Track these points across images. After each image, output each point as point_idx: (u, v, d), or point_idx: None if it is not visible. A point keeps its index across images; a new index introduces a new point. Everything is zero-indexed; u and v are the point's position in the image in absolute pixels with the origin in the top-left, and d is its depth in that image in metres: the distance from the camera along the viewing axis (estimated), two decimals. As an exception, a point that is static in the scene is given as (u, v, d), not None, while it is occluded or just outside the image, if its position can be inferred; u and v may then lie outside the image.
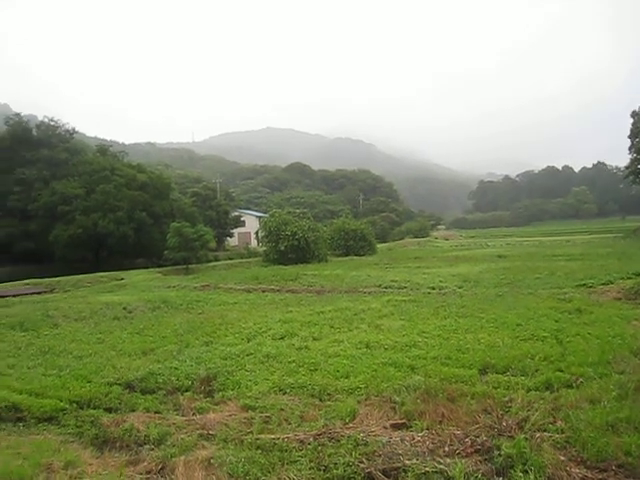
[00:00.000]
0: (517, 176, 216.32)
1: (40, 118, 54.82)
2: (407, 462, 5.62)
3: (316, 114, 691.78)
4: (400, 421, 7.01)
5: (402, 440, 6.24)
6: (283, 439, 6.50)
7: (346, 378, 9.21)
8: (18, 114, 53.75)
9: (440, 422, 6.77)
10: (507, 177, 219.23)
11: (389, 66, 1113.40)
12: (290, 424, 7.19)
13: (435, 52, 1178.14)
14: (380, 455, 5.86)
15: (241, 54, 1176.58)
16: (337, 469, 5.63)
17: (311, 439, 6.45)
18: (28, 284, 31.12)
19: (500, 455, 5.60)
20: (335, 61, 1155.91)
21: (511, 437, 6.01)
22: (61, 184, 46.03)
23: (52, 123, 53.14)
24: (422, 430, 6.56)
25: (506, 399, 7.56)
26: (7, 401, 8.38)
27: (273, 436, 6.64)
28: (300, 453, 6.11)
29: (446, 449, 5.90)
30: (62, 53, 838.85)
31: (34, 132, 52.13)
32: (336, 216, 79.03)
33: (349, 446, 6.11)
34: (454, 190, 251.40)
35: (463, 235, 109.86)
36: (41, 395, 8.88)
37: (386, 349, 11.31)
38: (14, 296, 25.52)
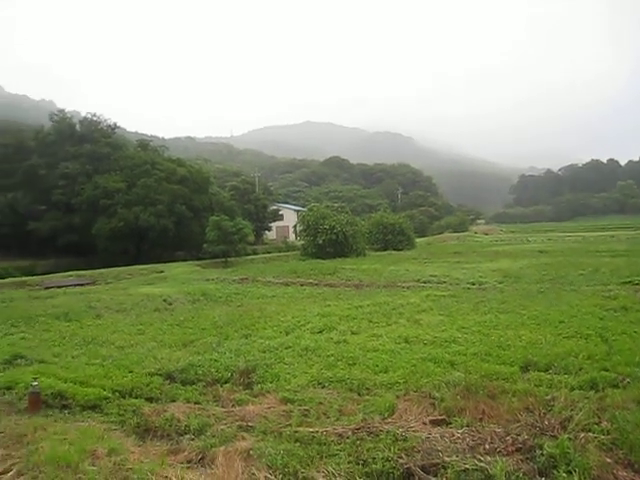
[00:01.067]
0: (560, 170, 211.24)
1: (83, 114, 55.98)
2: (447, 459, 5.57)
3: (354, 108, 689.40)
4: (439, 417, 6.95)
5: (442, 436, 6.17)
6: (322, 432, 6.50)
7: (385, 373, 9.18)
8: (62, 110, 54.91)
9: (480, 419, 6.69)
10: (549, 171, 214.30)
11: (427, 59, 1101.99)
12: (329, 418, 7.19)
13: (471, 44, 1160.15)
14: (419, 451, 5.82)
15: (281, 49, 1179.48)
16: (376, 464, 5.60)
17: (350, 433, 6.43)
18: (71, 276, 31.87)
19: (542, 455, 5.48)
20: (373, 54, 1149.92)
21: (554, 437, 5.87)
22: (103, 178, 46.83)
23: (94, 119, 54.05)
24: (462, 427, 6.48)
25: (548, 397, 7.40)
26: (53, 389, 8.58)
27: (312, 429, 6.65)
28: (339, 447, 6.10)
29: (486, 447, 5.81)
30: (87, 52, 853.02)
31: (77, 127, 53.18)
32: (374, 210, 78.60)
33: (388, 441, 6.07)
34: (494, 184, 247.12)
35: (503, 230, 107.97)
36: (85, 384, 9.07)
37: (425, 344, 11.23)
38: (58, 287, 26.20)
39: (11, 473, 5.53)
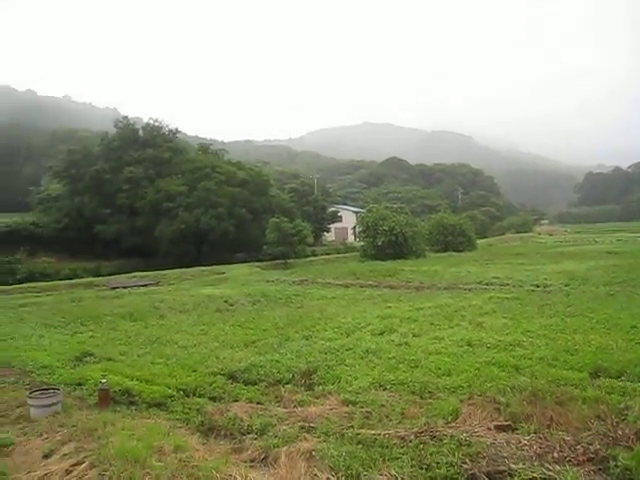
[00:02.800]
0: (629, 167, 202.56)
1: (145, 120, 57.55)
2: (513, 466, 5.43)
3: (413, 108, 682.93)
4: (505, 423, 6.79)
5: (507, 443, 6.04)
6: (384, 435, 6.46)
7: (448, 376, 9.05)
8: (126, 117, 56.57)
9: (548, 426, 6.50)
10: (617, 168, 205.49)
11: (486, 59, 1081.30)
12: (391, 420, 7.14)
13: (538, 46, 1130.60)
14: (484, 457, 5.70)
15: (340, 50, 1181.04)
16: (439, 468, 5.53)
17: (412, 437, 6.37)
18: (135, 277, 32.84)
19: (617, 466, 5.27)
20: (431, 54, 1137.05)
21: (629, 447, 5.64)
22: (165, 182, 47.92)
23: (156, 124, 55.38)
24: (529, 434, 6.32)
25: (622, 406, 7.11)
26: (121, 386, 8.87)
27: (374, 432, 6.62)
28: (401, 450, 6.05)
29: (555, 455, 5.64)
30: (149, 60, 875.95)
31: (140, 133, 54.68)
32: (434, 211, 77.63)
33: (452, 446, 5.98)
34: (559, 183, 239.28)
35: (568, 230, 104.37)
36: (150, 382, 9.32)
37: (489, 348, 11.01)
38: (124, 288, 27.06)
39: (84, 465, 5.73)
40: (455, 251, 47.06)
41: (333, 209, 76.42)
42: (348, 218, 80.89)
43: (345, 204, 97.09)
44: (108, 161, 50.83)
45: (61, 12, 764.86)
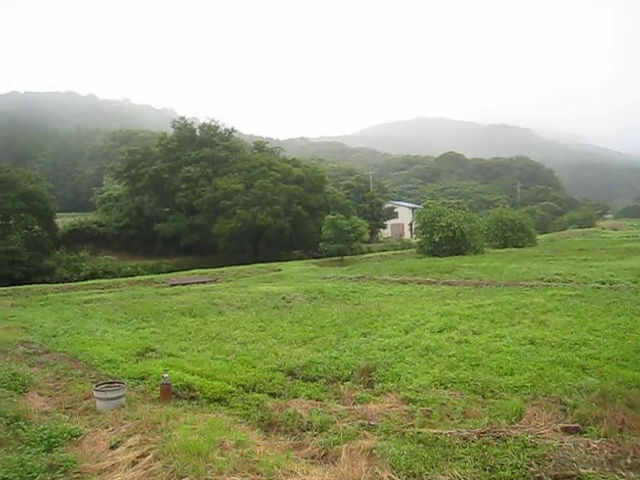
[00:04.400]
0: None
1: (201, 120, 58.63)
2: (582, 470, 5.22)
3: (468, 102, 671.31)
4: (572, 425, 6.55)
5: (575, 446, 5.80)
6: (446, 435, 6.33)
7: (510, 375, 8.82)
8: (183, 117, 57.87)
9: (620, 430, 6.20)
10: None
11: (544, 51, 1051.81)
12: (452, 420, 7.01)
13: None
14: (551, 460, 5.50)
15: (392, 45, 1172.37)
16: (504, 470, 5.37)
17: (475, 437, 6.22)
18: (194, 274, 33.53)
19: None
20: (486, 47, 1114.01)
21: None
22: (222, 180, 48.65)
23: (213, 124, 56.35)
24: (599, 437, 6.05)
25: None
26: (182, 381, 9.03)
27: (435, 431, 6.50)
28: (464, 450, 5.91)
29: (629, 461, 5.38)
30: (205, 60, 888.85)
31: (197, 133, 55.72)
32: (492, 206, 76.33)
33: (516, 447, 5.81)
34: (624, 176, 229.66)
35: (635, 225, 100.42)
36: (211, 377, 9.45)
37: (553, 346, 10.66)
38: (183, 285, 27.64)
39: (149, 457, 5.84)
40: (515, 247, 46.07)
41: (389, 205, 76.13)
42: (404, 214, 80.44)
43: (401, 200, 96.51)
44: (166, 161, 52.06)
45: (120, 16, 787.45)
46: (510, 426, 6.52)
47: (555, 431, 6.35)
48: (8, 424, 6.86)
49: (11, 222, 42.15)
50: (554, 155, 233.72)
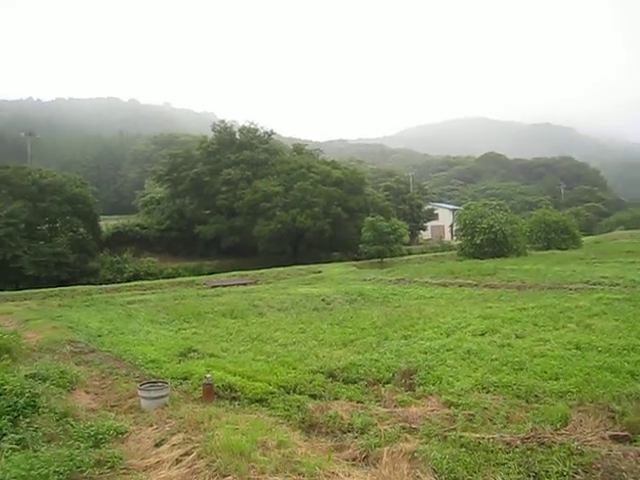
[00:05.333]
0: None
1: (241, 123, 59.19)
2: (633, 481, 5.08)
3: (508, 101, 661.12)
4: (621, 433, 6.35)
5: (625, 455, 5.61)
6: (488, 439, 6.23)
7: (555, 380, 8.63)
8: (223, 120, 58.60)
9: (672, 439, 6.02)
10: None
11: (588, 44, 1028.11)
12: (495, 424, 6.89)
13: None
14: (599, 469, 5.35)
15: (429, 47, 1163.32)
16: (549, 478, 5.27)
17: (519, 442, 6.10)
18: (235, 275, 33.91)
19: None
20: (526, 43, 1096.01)
21: None
22: (262, 183, 49.03)
23: (252, 126, 56.84)
24: (650, 446, 5.87)
25: None
26: (224, 381, 9.10)
27: (477, 435, 6.40)
28: (507, 456, 5.80)
29: (682, 471, 5.22)
30: (246, 64, 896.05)
31: (237, 136, 56.28)
32: (535, 207, 74.87)
33: (562, 454, 5.67)
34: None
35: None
36: (252, 378, 9.50)
37: (599, 351, 10.36)
38: (223, 286, 28.00)
39: (192, 455, 5.92)
40: (558, 249, 45.04)
41: (429, 207, 75.64)
42: (445, 216, 79.69)
43: (441, 202, 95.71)
44: (207, 164, 52.71)
45: (163, 23, 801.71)
46: (555, 432, 6.37)
47: (603, 439, 6.18)
48: (58, 420, 7.06)
49: (57, 225, 43.41)
50: (599, 154, 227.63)
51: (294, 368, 10.28)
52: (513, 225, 42.51)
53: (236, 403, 8.47)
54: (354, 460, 6.09)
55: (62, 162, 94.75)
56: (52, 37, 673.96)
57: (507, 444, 6.10)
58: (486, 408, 7.48)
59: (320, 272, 33.86)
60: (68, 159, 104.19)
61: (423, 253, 51.64)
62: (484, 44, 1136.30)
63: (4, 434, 6.35)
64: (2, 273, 35.98)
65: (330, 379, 9.67)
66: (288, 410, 8.00)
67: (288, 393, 8.86)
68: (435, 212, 77.25)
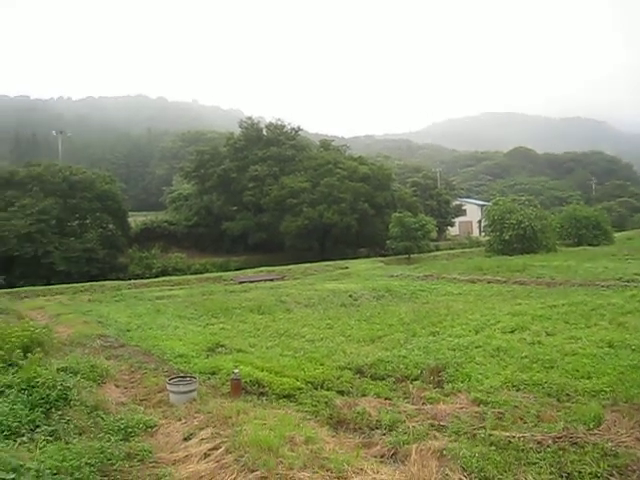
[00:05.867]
0: None
1: (268, 119, 59.28)
2: (670, 484, 4.95)
3: (537, 95, 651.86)
4: (657, 434, 6.21)
5: (661, 457, 5.51)
6: (519, 438, 6.15)
7: (587, 379, 8.47)
8: (250, 117, 58.64)
9: None
10: None
11: (621, 36, 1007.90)
12: (526, 423, 6.79)
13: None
14: (634, 470, 5.24)
15: (455, 42, 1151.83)
16: (582, 478, 5.19)
17: (550, 441, 6.01)
18: (262, 271, 34.06)
19: None
20: (555, 36, 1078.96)
21: None
22: (289, 179, 49.05)
23: (279, 123, 56.92)
24: (690, 449, 5.71)
25: None
26: (251, 376, 9.14)
27: (507, 434, 6.32)
28: (538, 455, 5.72)
29: None
30: (270, 60, 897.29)
31: (264, 132, 56.40)
32: (565, 203, 73.64)
33: (595, 455, 5.57)
34: None
35: None
36: (280, 373, 9.52)
37: (633, 350, 10.12)
38: (251, 282, 28.11)
39: (221, 450, 5.95)
40: (589, 245, 44.36)
41: (457, 203, 75.01)
42: (473, 212, 78.95)
43: (469, 197, 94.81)
44: (234, 160, 52.89)
45: (191, 20, 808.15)
46: (588, 432, 6.26)
47: (638, 440, 6.05)
48: (89, 413, 7.19)
49: (87, 221, 44.06)
50: (632, 148, 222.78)
51: (322, 364, 10.27)
52: (543, 221, 41.95)
53: (264, 398, 8.49)
54: (382, 457, 6.08)
55: (92, 159, 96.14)
56: (83, 36, 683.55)
57: (538, 443, 6.02)
58: (516, 406, 7.39)
59: (347, 268, 33.82)
60: (98, 156, 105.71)
61: (451, 249, 51.27)
62: (515, 37, 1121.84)
63: (37, 426, 6.48)
64: (34, 268, 36.63)
65: (358, 375, 9.65)
66: (316, 406, 7.99)
67: (316, 389, 8.86)
68: (463, 208, 76.59)
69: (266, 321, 16.37)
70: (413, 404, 7.92)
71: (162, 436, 6.67)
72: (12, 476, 3.48)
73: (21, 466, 3.80)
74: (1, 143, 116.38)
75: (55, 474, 4.55)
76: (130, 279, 34.06)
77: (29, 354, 8.79)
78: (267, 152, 52.45)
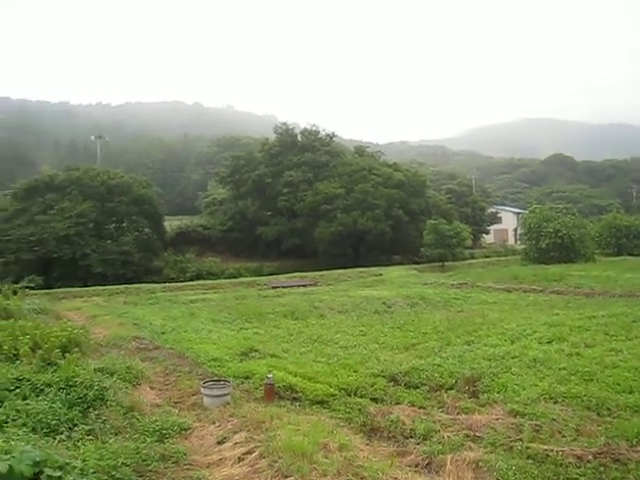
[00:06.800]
0: None
1: (302, 125, 59.38)
2: None
3: (576, 101, 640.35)
4: None
5: None
6: (557, 452, 6.01)
7: (629, 393, 8.25)
8: (284, 123, 58.78)
9: None
10: None
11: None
12: (564, 437, 6.63)
13: None
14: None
15: (491, 47, 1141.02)
16: (624, 496, 5.03)
17: (590, 457, 5.86)
18: (295, 277, 34.08)
19: None
20: (594, 41, 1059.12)
21: None
22: (323, 185, 48.97)
23: (313, 129, 56.93)
24: None
25: None
26: (284, 382, 9.13)
27: (546, 447, 6.18)
28: (578, 471, 5.59)
29: None
30: (304, 68, 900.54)
31: (299, 138, 56.52)
32: (604, 211, 72.03)
33: (639, 472, 5.41)
34: None
35: None
36: (313, 379, 9.51)
37: (682, 363, 9.83)
38: (284, 287, 28.16)
39: (254, 454, 5.94)
40: (630, 255, 43.31)
41: (492, 210, 74.04)
42: (508, 219, 77.88)
43: (504, 205, 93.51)
44: (269, 166, 53.11)
45: (226, 28, 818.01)
46: (631, 449, 6.09)
47: (683, 458, 5.85)
48: (124, 413, 7.27)
49: (124, 224, 44.78)
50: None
51: (355, 371, 10.23)
52: (581, 229, 41.15)
53: (297, 404, 8.48)
54: (416, 466, 6.00)
55: (129, 164, 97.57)
56: (123, 44, 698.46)
57: (578, 458, 5.88)
58: (554, 419, 7.23)
59: (381, 275, 33.66)
60: (135, 161, 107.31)
61: (486, 257, 50.68)
62: (551, 43, 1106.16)
63: (75, 424, 6.58)
64: (71, 270, 37.30)
65: (392, 383, 9.58)
66: (349, 413, 7.94)
67: (349, 396, 8.81)
68: (498, 215, 75.57)
69: (299, 327, 16.39)
70: (448, 414, 7.82)
71: (196, 439, 6.71)
72: (59, 474, 3.54)
73: (67, 464, 3.86)
74: (42, 148, 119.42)
75: (94, 472, 4.60)
76: (165, 282, 34.45)
77: (67, 354, 8.94)
78: (302, 158, 52.52)
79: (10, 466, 3.41)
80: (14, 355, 9.37)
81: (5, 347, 9.65)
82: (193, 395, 8.66)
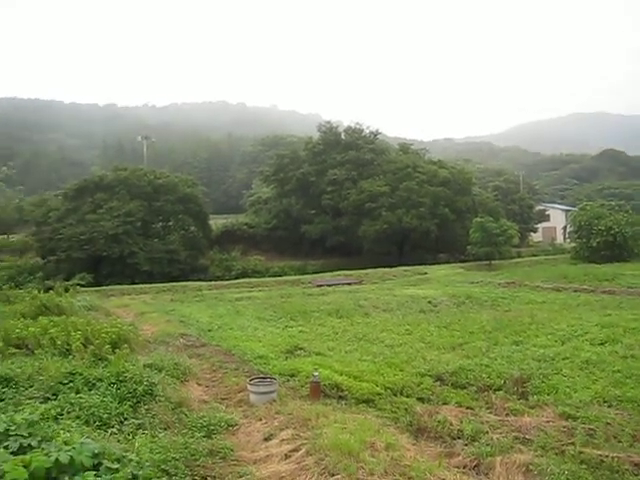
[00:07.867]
0: None
1: (346, 123, 59.28)
2: None
3: (628, 94, 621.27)
4: None
5: None
6: (612, 458, 5.83)
7: (690, 399, 7.92)
8: (328, 121, 58.83)
9: None
10: None
11: None
12: (620, 442, 6.44)
13: None
14: None
15: (539, 42, 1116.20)
16: (684, 506, 4.83)
17: (648, 464, 5.65)
18: (340, 275, 34.08)
19: None
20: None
21: None
22: (368, 183, 48.85)
23: (357, 127, 56.76)
24: None
25: None
26: (330, 380, 9.13)
27: (600, 452, 6.00)
28: (635, 478, 5.40)
29: None
30: (349, 64, 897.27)
31: (342, 136, 56.45)
32: (660, 208, 69.67)
33: (698, 481, 5.19)
34: None
35: None
36: (359, 378, 9.48)
37: None
38: (328, 286, 28.19)
39: (301, 452, 5.95)
40: (688, 255, 41.66)
41: (540, 208, 72.60)
42: (557, 217, 76.13)
43: (553, 202, 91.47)
44: (313, 164, 53.23)
45: (271, 28, 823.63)
46: (692, 457, 5.85)
47: None
48: (173, 409, 7.42)
49: (170, 223, 45.67)
50: None
51: (401, 370, 10.17)
52: (635, 227, 39.76)
53: (343, 402, 8.46)
54: (464, 468, 5.92)
55: (175, 164, 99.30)
56: (170, 46, 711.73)
57: (635, 465, 5.71)
58: (609, 423, 7.02)
59: (426, 273, 33.36)
60: (180, 161, 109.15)
61: (534, 256, 49.65)
62: (600, 37, 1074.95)
63: (125, 418, 6.76)
64: (120, 268, 38.25)
65: (438, 383, 9.49)
66: (396, 412, 7.89)
67: (395, 395, 8.75)
68: (546, 213, 73.99)
69: (344, 325, 16.36)
70: (496, 415, 7.68)
71: (243, 435, 6.77)
72: (117, 466, 3.64)
73: (124, 457, 3.95)
74: (91, 149, 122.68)
75: (148, 466, 4.70)
76: (210, 280, 34.97)
77: (117, 350, 9.17)
78: (346, 156, 52.44)
79: (71, 457, 3.53)
80: (67, 350, 9.69)
81: (58, 342, 9.97)
82: (239, 392, 8.75)
